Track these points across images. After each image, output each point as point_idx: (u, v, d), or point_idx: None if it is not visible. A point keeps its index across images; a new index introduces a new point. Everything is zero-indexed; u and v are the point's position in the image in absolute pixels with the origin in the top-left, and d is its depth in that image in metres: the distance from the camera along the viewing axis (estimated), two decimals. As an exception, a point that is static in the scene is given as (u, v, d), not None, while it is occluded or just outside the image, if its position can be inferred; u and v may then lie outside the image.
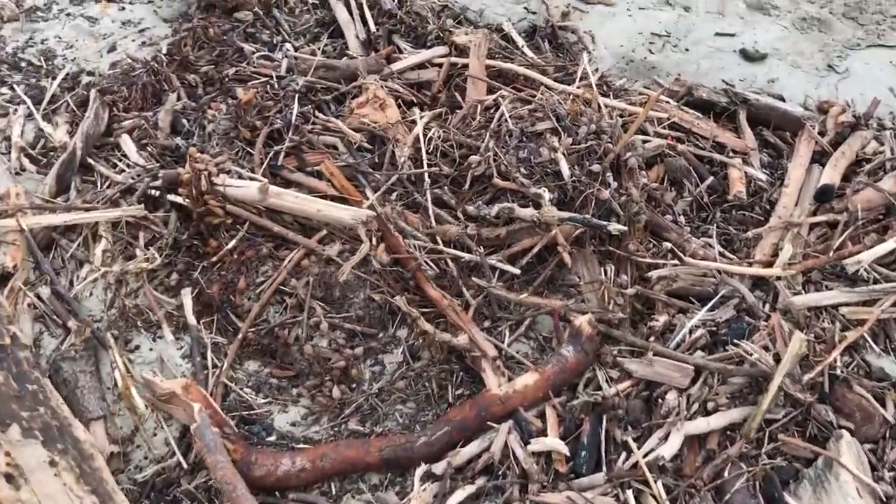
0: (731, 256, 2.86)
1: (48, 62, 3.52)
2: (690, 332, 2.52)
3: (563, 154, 2.91)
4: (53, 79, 3.43)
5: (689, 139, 3.25)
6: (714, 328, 2.55)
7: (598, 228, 2.76)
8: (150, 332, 2.60)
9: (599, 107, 3.18)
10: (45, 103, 3.30)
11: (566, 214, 2.74)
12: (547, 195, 2.77)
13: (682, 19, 3.97)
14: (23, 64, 3.51)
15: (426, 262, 2.76)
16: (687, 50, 3.81)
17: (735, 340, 2.45)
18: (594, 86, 3.29)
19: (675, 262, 2.74)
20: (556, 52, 3.64)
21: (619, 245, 2.85)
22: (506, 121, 3.09)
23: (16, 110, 3.25)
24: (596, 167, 2.88)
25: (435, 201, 2.95)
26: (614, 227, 2.72)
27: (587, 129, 3.01)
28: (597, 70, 3.49)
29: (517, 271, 2.75)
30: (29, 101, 3.28)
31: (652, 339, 2.52)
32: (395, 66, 3.43)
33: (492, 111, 3.21)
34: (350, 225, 2.76)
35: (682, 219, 3.00)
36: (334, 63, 3.38)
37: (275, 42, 3.56)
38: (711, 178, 3.12)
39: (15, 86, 3.37)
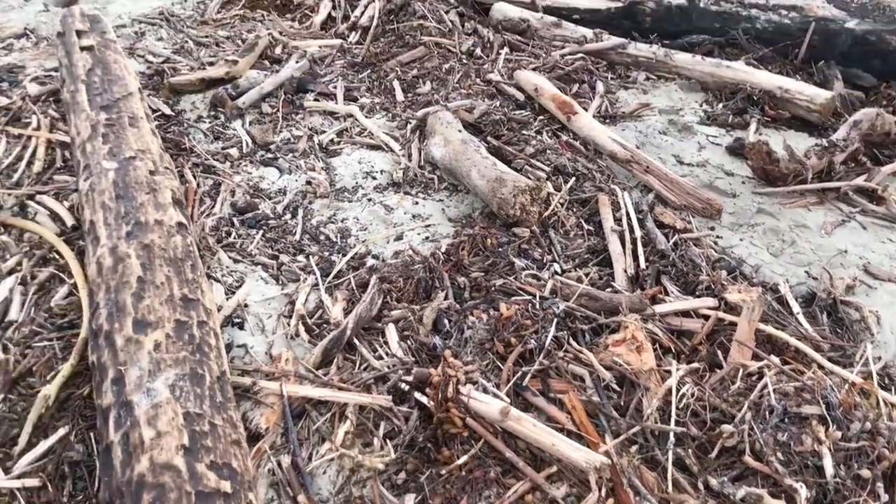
0: None
1: (342, 239, 3.91)
2: None
3: (830, 449, 2.66)
4: (343, 255, 3.78)
5: None
6: None
7: (859, 548, 2.44)
8: (368, 528, 2.64)
9: (878, 402, 2.90)
10: (331, 277, 3.63)
11: (823, 520, 2.47)
12: (804, 492, 2.52)
13: None
14: (321, 237, 3.92)
15: (655, 531, 2.58)
16: None
17: None
18: (875, 376, 3.02)
19: None
20: (835, 327, 3.41)
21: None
22: (768, 394, 2.91)
23: (305, 279, 3.61)
24: (866, 472, 2.59)
25: (676, 463, 2.79)
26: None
27: (861, 425, 2.74)
28: (879, 358, 3.21)
29: (756, 570, 2.49)
30: (318, 273, 3.62)
31: None
32: (659, 308, 3.39)
33: (754, 379, 3.05)
34: (582, 468, 2.68)
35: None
36: (597, 294, 3.42)
37: (544, 261, 3.69)
38: None
39: (311, 256, 3.76)
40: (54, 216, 3.84)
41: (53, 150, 4.32)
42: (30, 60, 5.29)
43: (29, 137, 4.37)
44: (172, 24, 5.71)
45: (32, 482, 2.71)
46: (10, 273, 3.53)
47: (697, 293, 3.51)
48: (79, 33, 4.67)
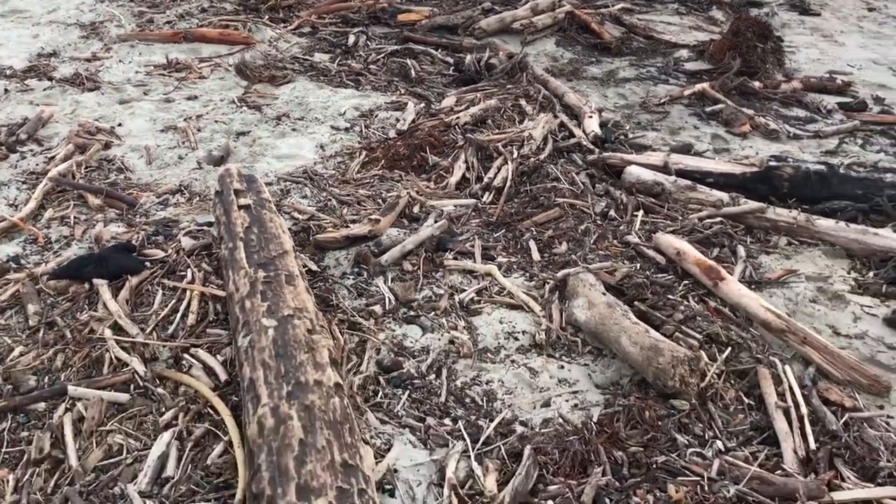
0: None
1: (488, 403, 3.84)
2: None
3: None
4: (490, 420, 3.69)
5: None
6: None
7: None
8: None
9: None
10: (480, 443, 3.53)
11: None
12: None
13: None
14: (467, 400, 3.86)
15: None
16: None
17: None
18: None
19: None
20: None
21: None
22: None
23: (454, 444, 3.52)
24: None
25: None
26: None
27: None
28: None
29: None
30: (468, 439, 3.54)
31: None
32: (837, 496, 3.14)
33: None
34: None
35: None
36: (770, 478, 3.20)
37: (706, 437, 3.50)
38: None
39: (458, 419, 3.69)
40: (208, 370, 3.93)
41: (206, 303, 4.47)
42: (183, 215, 5.61)
43: (183, 290, 4.56)
44: (316, 182, 6.00)
45: None
46: (166, 427, 3.59)
47: (878, 480, 3.24)
48: (236, 192, 4.94)
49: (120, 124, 6.94)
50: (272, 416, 3.13)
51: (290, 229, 5.21)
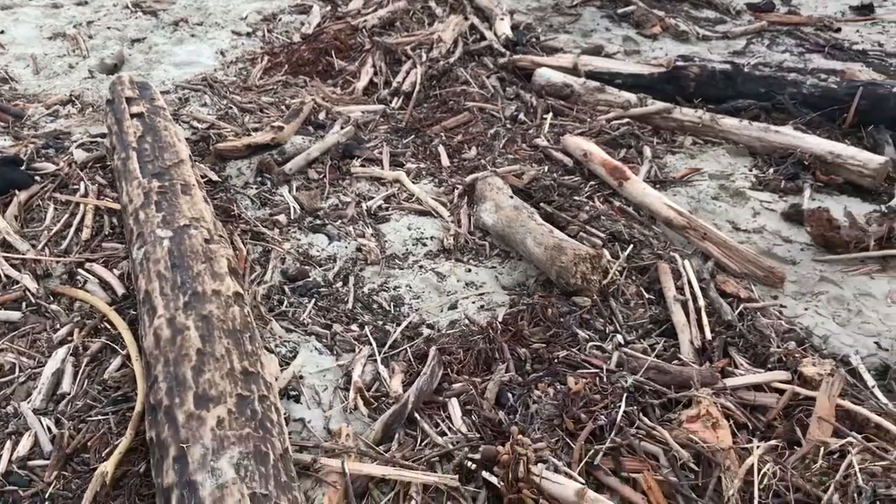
0: None
1: (395, 308, 3.83)
2: None
3: (929, 535, 2.50)
4: (397, 325, 3.69)
5: None
6: None
7: None
8: None
9: (975, 483, 2.74)
10: (387, 347, 3.53)
11: None
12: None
13: None
14: (374, 305, 3.84)
15: None
16: None
17: None
18: (968, 455, 2.87)
19: None
20: (915, 402, 3.26)
21: None
22: (855, 475, 2.76)
23: (360, 349, 3.51)
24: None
25: (763, 550, 2.65)
26: None
27: (959, 508, 2.58)
28: (970, 436, 3.06)
29: None
30: (374, 343, 3.53)
31: None
32: (730, 382, 3.27)
33: (836, 457, 2.91)
34: (665, 554, 2.54)
35: None
36: (666, 367, 3.30)
37: (607, 332, 3.58)
38: None
39: (365, 325, 3.68)
40: (104, 285, 3.79)
41: (101, 217, 4.29)
42: (75, 127, 5.33)
43: (77, 204, 4.35)
44: (216, 90, 5.75)
45: (88, 567, 2.59)
46: (61, 343, 3.47)
47: (769, 366, 3.39)
48: (129, 100, 4.69)
49: (2, 31, 6.47)
50: (168, 328, 3.04)
51: (189, 139, 5.01)
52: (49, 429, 3.04)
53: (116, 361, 3.34)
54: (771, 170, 4.99)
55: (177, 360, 2.91)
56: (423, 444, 3.06)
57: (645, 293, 3.85)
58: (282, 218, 4.38)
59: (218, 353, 2.93)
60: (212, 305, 3.15)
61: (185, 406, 2.72)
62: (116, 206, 4.23)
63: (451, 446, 2.99)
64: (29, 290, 3.77)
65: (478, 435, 3.05)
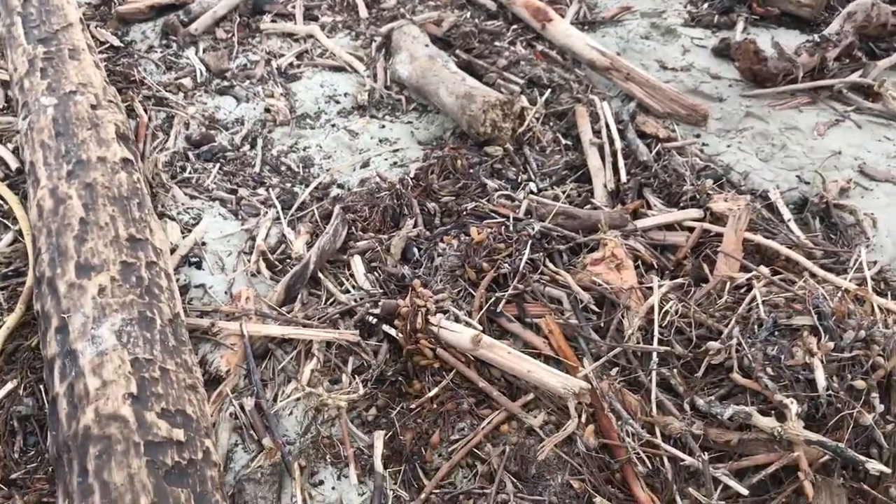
0: None
1: (305, 169, 3.69)
2: None
3: (821, 360, 2.50)
4: (306, 186, 3.57)
5: None
6: None
7: (852, 463, 2.30)
8: (337, 469, 2.50)
9: (873, 309, 2.72)
10: (294, 210, 3.42)
11: (814, 436, 2.32)
12: (794, 407, 2.37)
13: None
14: (283, 168, 3.70)
15: (639, 456, 2.44)
16: None
17: None
18: (869, 281, 2.84)
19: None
20: (828, 233, 3.22)
21: (876, 485, 2.36)
22: (757, 307, 2.73)
23: (266, 213, 3.40)
24: (860, 383, 2.44)
25: (660, 384, 2.65)
26: (874, 466, 2.25)
27: (855, 334, 2.57)
28: (875, 263, 3.03)
29: (744, 490, 2.34)
30: (279, 206, 3.41)
31: None
32: (641, 223, 3.20)
33: (742, 292, 2.88)
34: (560, 394, 2.52)
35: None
36: (575, 212, 3.22)
37: (519, 181, 3.47)
38: None
39: (271, 189, 3.55)
40: (-2, 160, 3.62)
41: (-6, 89, 4.06)
42: (-29, -3, 4.95)
43: (-32, 77, 4.10)
44: (119, -52, 5.35)
45: (-20, 439, 2.56)
46: (-49, 221, 3.33)
47: (682, 205, 3.31)
48: (14, -38, 4.34)
49: None
50: (51, 198, 2.91)
51: (90, 3, 4.69)
52: (-60, 307, 2.96)
53: (8, 236, 3.21)
54: (705, 5, 4.75)
55: (59, 231, 2.79)
56: (327, 302, 3.01)
57: (562, 139, 3.72)
58: (187, 81, 4.15)
59: (102, 222, 2.81)
60: (96, 173, 3.00)
61: (67, 276, 2.63)
62: (6, 76, 3.99)
63: (353, 303, 2.94)
64: (-79, 169, 3.60)
65: (381, 290, 2.99)
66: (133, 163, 3.19)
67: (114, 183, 2.99)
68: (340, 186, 3.58)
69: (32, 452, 2.55)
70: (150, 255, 2.79)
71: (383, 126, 3.92)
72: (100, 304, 2.54)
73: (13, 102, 3.98)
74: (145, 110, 3.89)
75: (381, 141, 3.83)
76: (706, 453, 2.40)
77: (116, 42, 4.39)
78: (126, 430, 2.23)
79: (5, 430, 2.58)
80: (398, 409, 2.64)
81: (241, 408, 2.65)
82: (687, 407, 2.57)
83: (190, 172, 3.61)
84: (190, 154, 3.71)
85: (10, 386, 2.68)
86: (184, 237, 3.26)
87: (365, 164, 3.70)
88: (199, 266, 3.17)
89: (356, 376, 2.73)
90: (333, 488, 2.45)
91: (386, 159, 3.72)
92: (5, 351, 2.77)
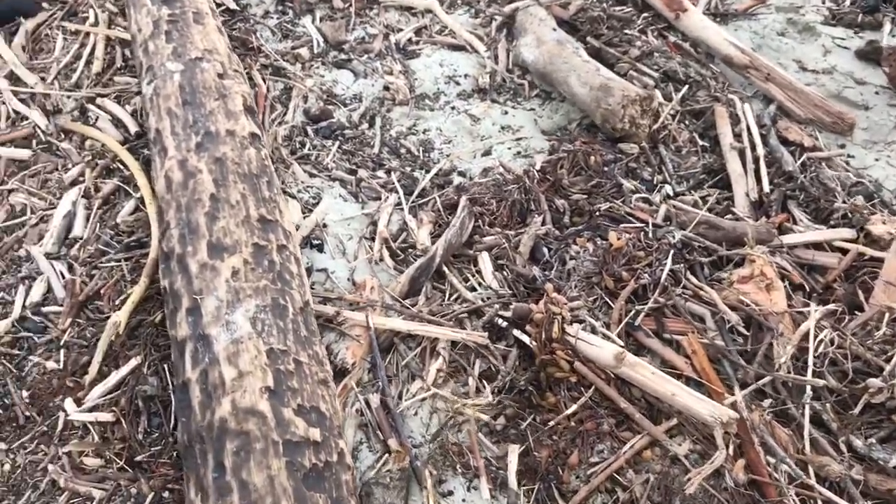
0: None
1: (425, 153, 3.56)
2: None
3: None
4: (426, 171, 3.44)
5: None
6: None
7: None
8: (466, 479, 2.39)
9: None
10: (415, 196, 3.30)
11: None
12: (970, 460, 2.19)
13: None
14: (402, 150, 3.57)
15: (792, 498, 2.29)
16: None
17: None
18: None
19: None
20: None
21: None
22: (922, 344, 2.54)
23: (387, 197, 3.28)
24: None
25: (813, 419, 2.47)
26: None
27: None
28: None
29: (909, 549, 2.19)
30: (401, 192, 3.29)
31: None
32: (787, 240, 3.00)
33: (901, 325, 2.68)
34: (707, 422, 2.38)
35: None
36: (718, 222, 3.03)
37: (655, 182, 3.29)
38: None
39: (392, 171, 3.42)
40: (116, 122, 3.55)
41: (113, 48, 3.98)
42: (84, -51, 4.90)
43: (87, 34, 4.04)
44: None
45: (106, 417, 2.51)
46: (72, 184, 3.28)
47: (832, 222, 3.10)
48: (136, -83, 4.25)
49: None
50: (180, 170, 2.83)
51: (204, -37, 4.57)
52: (62, 274, 2.92)
53: (130, 205, 3.16)
54: (847, 1, 4.45)
55: (189, 206, 2.71)
56: (451, 299, 2.89)
57: (699, 140, 3.52)
58: (304, 52, 4.03)
59: (233, 200, 2.72)
60: (226, 147, 2.91)
61: (199, 255, 2.55)
62: (128, 35, 3.92)
63: (481, 302, 2.81)
64: (39, 127, 3.56)
65: (510, 291, 2.86)
66: (260, 138, 3.09)
67: (243, 159, 2.90)
68: (461, 174, 3.44)
69: (156, 434, 2.50)
70: (281, 238, 2.70)
71: (505, 112, 3.76)
72: (233, 287, 2.45)
73: (129, 62, 3.93)
74: (263, 80, 3.79)
75: (503, 128, 3.68)
76: (868, 501, 2.24)
77: (232, 5, 4.28)
78: (265, 428, 2.14)
79: (130, 410, 2.53)
80: (529, 421, 2.51)
81: (368, 404, 2.55)
82: (843, 446, 2.40)
83: (309, 149, 3.51)
84: (308, 129, 3.60)
85: (133, 363, 2.63)
86: (305, 217, 3.16)
87: (486, 152, 3.55)
88: (320, 249, 3.08)
89: (484, 382, 2.62)
90: (464, 500, 2.35)
91: (509, 148, 3.56)
92: (128, 325, 2.71)
